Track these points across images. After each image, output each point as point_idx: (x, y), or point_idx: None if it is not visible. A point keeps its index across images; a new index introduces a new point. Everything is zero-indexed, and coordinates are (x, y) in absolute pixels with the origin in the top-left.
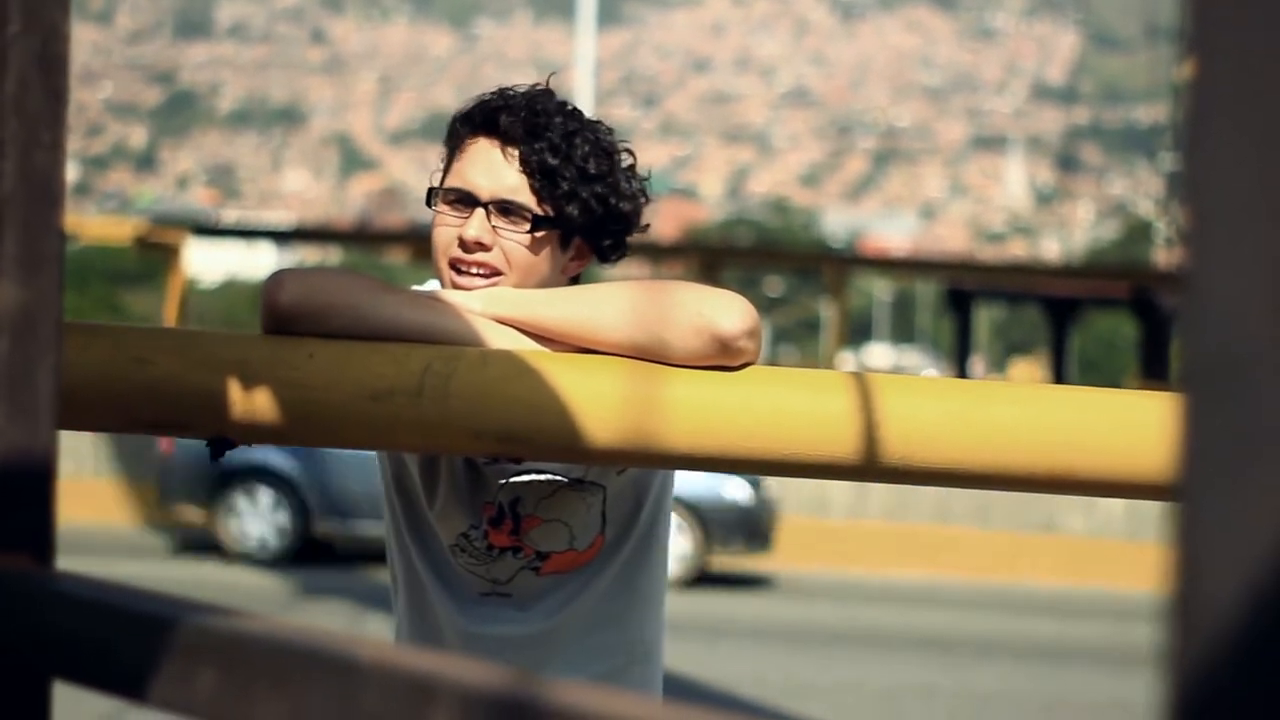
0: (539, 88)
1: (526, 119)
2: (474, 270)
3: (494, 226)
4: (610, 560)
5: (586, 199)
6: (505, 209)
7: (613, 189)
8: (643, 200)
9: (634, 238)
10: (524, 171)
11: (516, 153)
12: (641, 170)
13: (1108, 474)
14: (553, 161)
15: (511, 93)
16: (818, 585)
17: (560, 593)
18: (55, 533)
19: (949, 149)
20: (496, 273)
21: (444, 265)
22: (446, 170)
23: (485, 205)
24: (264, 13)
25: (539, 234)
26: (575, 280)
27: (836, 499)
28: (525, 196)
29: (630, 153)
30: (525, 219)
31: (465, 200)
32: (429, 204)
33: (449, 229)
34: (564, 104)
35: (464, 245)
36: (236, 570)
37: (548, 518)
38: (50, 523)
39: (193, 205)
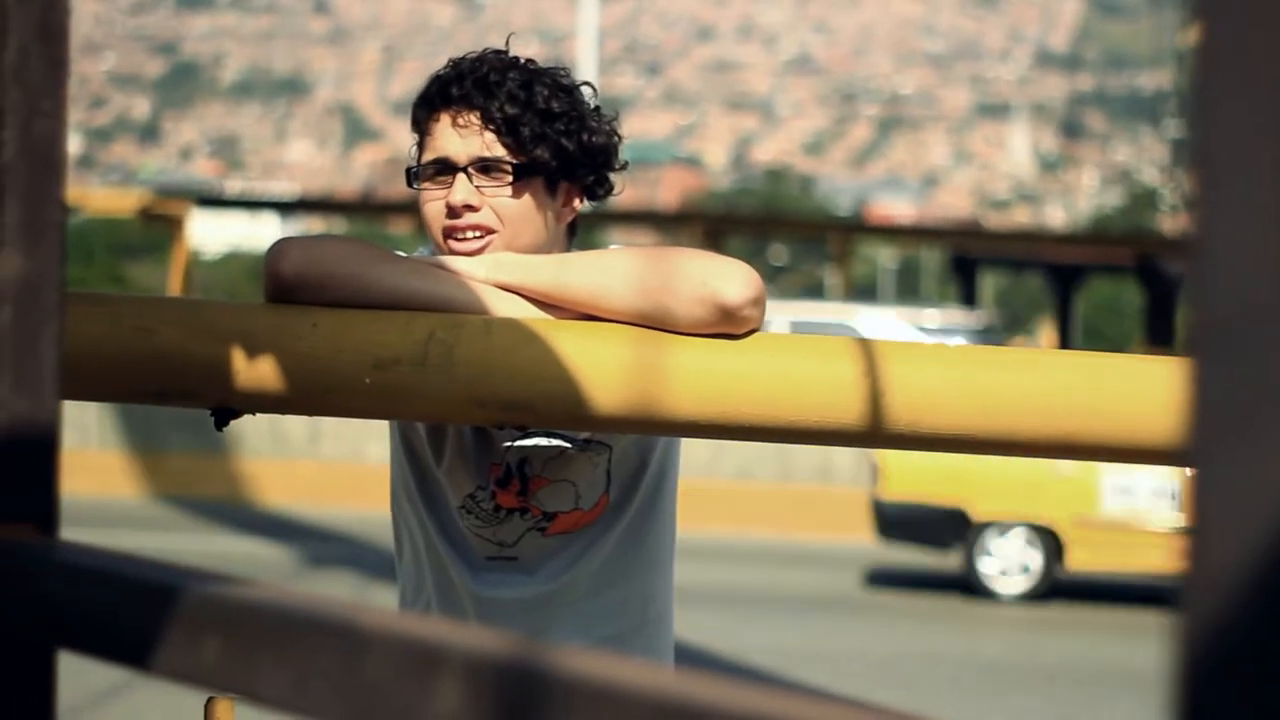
0: (489, 50)
1: (478, 81)
2: (469, 234)
3: (477, 187)
4: (615, 520)
5: (556, 139)
6: (484, 167)
7: (580, 124)
8: (616, 140)
9: (638, 203)
10: (490, 129)
11: (478, 115)
12: (645, 138)
13: (1114, 439)
14: (513, 111)
15: (461, 61)
16: (823, 554)
17: (566, 554)
18: (59, 503)
19: (953, 117)
20: (490, 231)
21: (440, 238)
22: (420, 150)
23: (464, 169)
24: None
25: (522, 183)
26: (573, 228)
27: (841, 467)
28: (499, 152)
29: (592, 88)
30: (505, 172)
31: (445, 169)
32: (411, 185)
33: (436, 202)
34: (515, 59)
35: (453, 211)
36: (242, 541)
37: (555, 478)
38: (54, 493)
39: (196, 176)
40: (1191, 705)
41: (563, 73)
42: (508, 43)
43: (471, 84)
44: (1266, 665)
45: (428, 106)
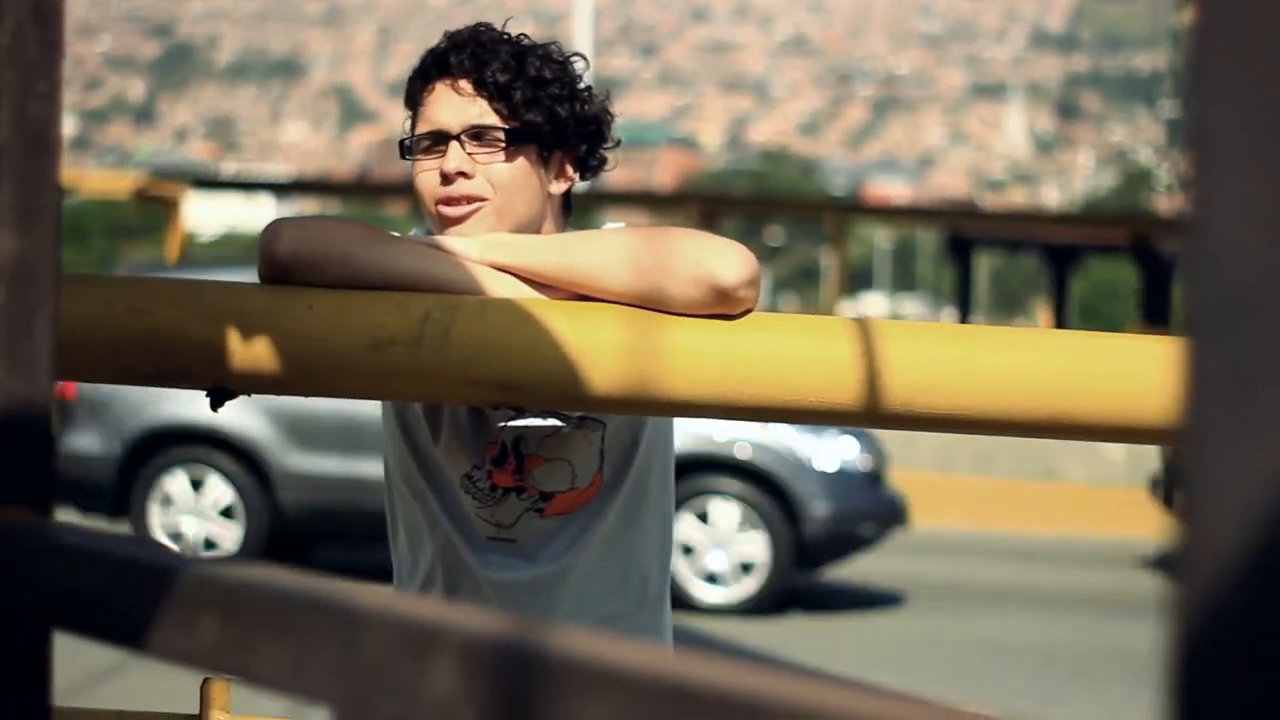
0: (482, 23)
1: (473, 50)
2: (462, 202)
3: (470, 154)
4: (610, 499)
5: (549, 104)
6: (477, 134)
7: (571, 90)
8: (609, 115)
9: (633, 183)
10: (483, 96)
11: (470, 82)
12: (640, 119)
13: (1109, 419)
14: (505, 78)
15: (454, 33)
16: None
17: (564, 535)
18: (55, 484)
19: (949, 97)
20: (483, 198)
21: (433, 209)
22: (413, 125)
23: (457, 137)
24: None
25: (515, 149)
26: (568, 203)
27: None
28: (491, 118)
29: (584, 60)
30: (498, 139)
31: (438, 139)
32: (404, 157)
33: (430, 172)
34: (508, 33)
35: (446, 178)
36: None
37: (551, 457)
38: (49, 474)
39: (192, 158)
40: (1188, 685)
41: (554, 47)
42: (505, 26)
43: (464, 53)
44: (1262, 643)
45: (422, 78)
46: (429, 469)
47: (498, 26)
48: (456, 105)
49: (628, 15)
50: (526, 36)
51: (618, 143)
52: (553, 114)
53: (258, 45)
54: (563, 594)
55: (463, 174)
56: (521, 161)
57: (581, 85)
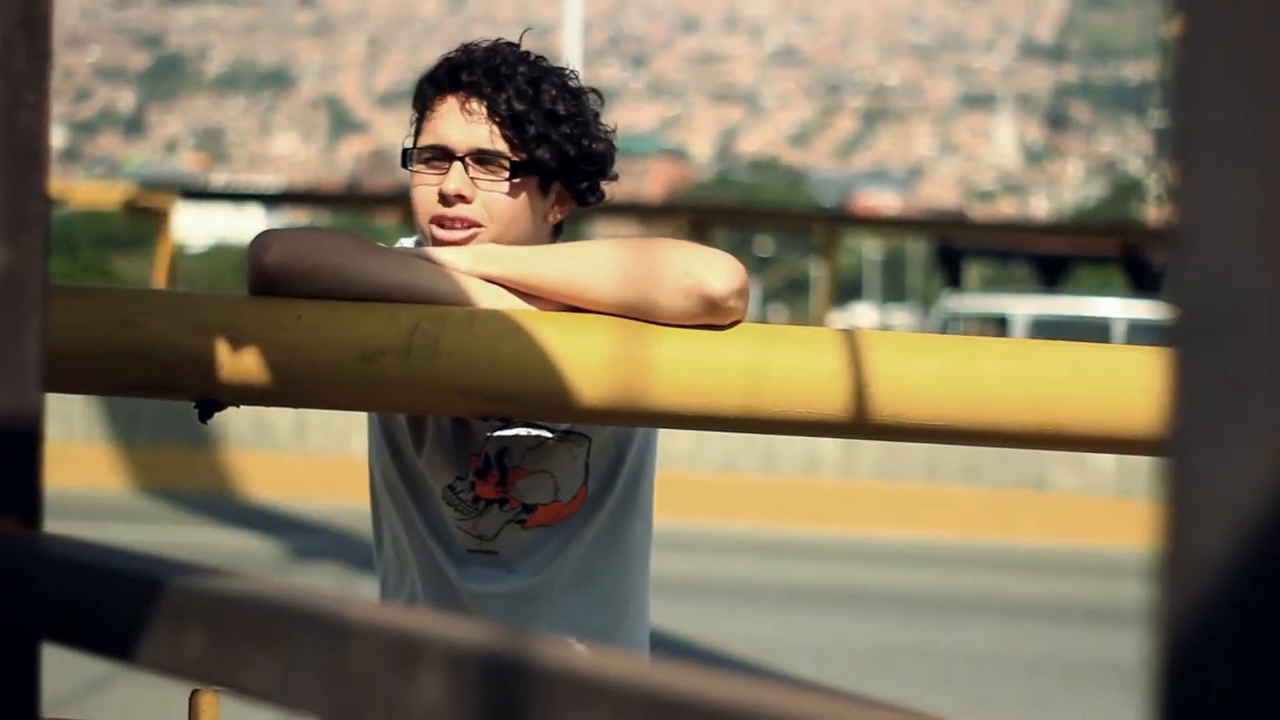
0: (502, 41)
1: (490, 71)
2: (457, 225)
3: (473, 178)
4: (594, 513)
5: (558, 141)
6: (482, 159)
7: (584, 129)
8: (614, 149)
9: (623, 194)
10: (494, 121)
11: (484, 104)
12: (630, 130)
13: (1097, 429)
14: (520, 107)
15: (474, 48)
16: (808, 545)
17: (546, 547)
18: (43, 495)
19: (938, 107)
20: (478, 225)
21: (427, 227)
22: (418, 132)
23: (462, 158)
24: None
25: (518, 181)
26: (559, 228)
27: (826, 458)
28: (499, 145)
29: (598, 95)
30: (503, 167)
31: (442, 156)
32: (404, 165)
33: (428, 187)
34: (527, 54)
35: (444, 199)
36: (227, 534)
37: (534, 469)
38: (38, 485)
39: (181, 169)
40: (1174, 695)
41: (571, 74)
42: (521, 38)
43: (483, 73)
44: (1247, 653)
45: (435, 87)
46: (411, 480)
47: (515, 43)
48: (465, 125)
49: (618, 26)
50: (543, 59)
51: (616, 176)
52: (560, 150)
53: (247, 56)
54: (543, 606)
55: (461, 197)
56: (522, 193)
57: (594, 115)
